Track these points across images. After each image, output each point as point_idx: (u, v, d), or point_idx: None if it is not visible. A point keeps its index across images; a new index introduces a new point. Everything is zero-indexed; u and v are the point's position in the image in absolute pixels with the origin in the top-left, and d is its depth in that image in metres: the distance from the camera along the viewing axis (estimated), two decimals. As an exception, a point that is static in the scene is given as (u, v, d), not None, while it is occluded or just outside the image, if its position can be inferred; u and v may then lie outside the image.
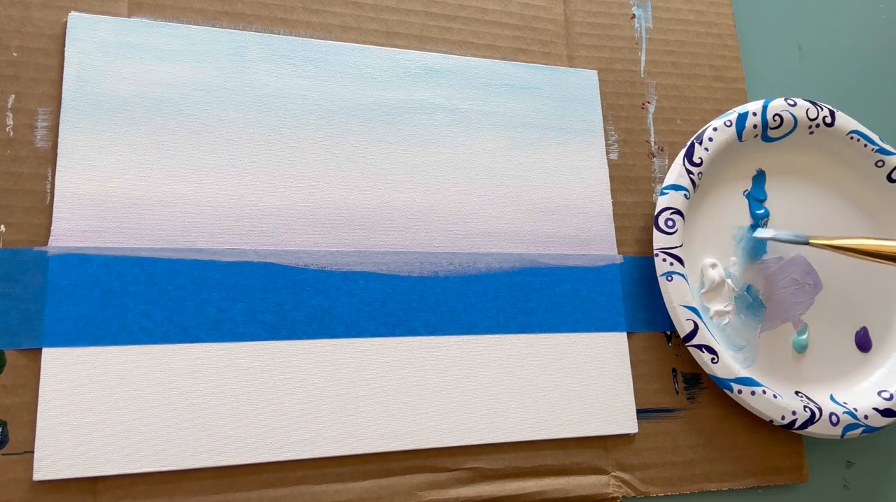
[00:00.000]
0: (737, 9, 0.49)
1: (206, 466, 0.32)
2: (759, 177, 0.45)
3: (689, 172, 0.41)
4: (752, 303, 0.43)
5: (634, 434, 0.39)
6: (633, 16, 0.46)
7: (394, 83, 0.40)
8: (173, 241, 0.34)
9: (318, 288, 0.35)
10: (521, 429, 0.37)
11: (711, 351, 0.39)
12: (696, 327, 0.39)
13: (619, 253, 0.41)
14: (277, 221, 0.36)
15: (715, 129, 0.42)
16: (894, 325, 0.45)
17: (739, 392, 0.39)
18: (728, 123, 0.43)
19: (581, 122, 0.43)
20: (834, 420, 0.40)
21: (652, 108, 0.45)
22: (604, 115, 0.43)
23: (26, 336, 0.31)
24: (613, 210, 0.42)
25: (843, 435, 0.40)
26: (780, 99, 0.44)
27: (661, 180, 0.44)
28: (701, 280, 0.42)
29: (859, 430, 0.40)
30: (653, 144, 0.44)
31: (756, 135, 0.44)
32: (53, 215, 0.33)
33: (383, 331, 0.36)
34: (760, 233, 0.43)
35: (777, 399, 0.39)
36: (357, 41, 0.40)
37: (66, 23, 0.35)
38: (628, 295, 0.41)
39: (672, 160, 0.44)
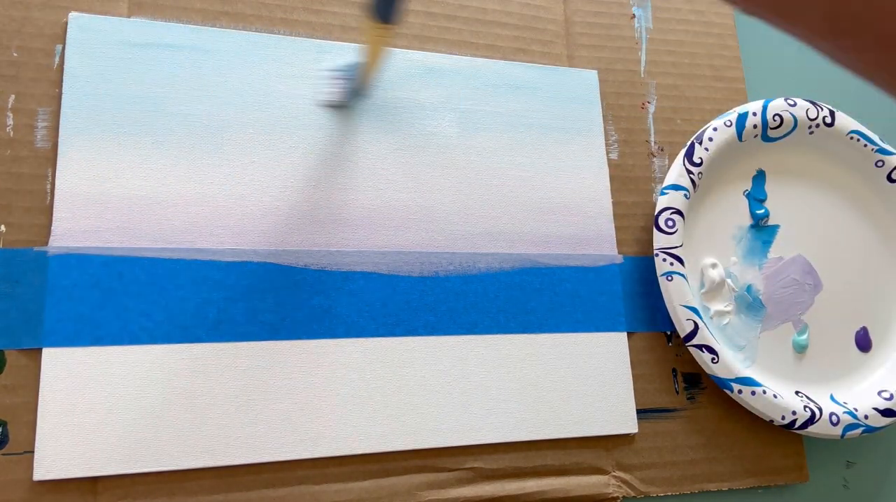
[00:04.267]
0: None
1: (206, 466, 0.32)
2: (759, 177, 0.45)
3: (689, 172, 0.41)
4: (752, 303, 0.42)
5: (634, 434, 0.39)
6: (633, 16, 0.46)
7: (394, 83, 0.39)
8: (173, 241, 0.34)
9: (318, 288, 0.35)
10: (521, 429, 0.37)
11: (711, 351, 0.39)
12: (697, 327, 0.39)
13: (619, 253, 0.41)
14: (277, 221, 0.36)
15: (715, 129, 0.42)
16: (894, 325, 0.45)
17: (740, 392, 0.39)
18: (728, 123, 0.42)
19: (581, 122, 0.43)
20: (834, 420, 0.40)
21: (652, 108, 0.45)
22: (604, 115, 0.43)
23: (26, 336, 0.31)
24: (613, 210, 0.42)
25: (843, 435, 0.40)
26: (780, 99, 0.44)
27: (661, 180, 0.43)
28: (701, 280, 0.42)
29: (859, 430, 0.40)
30: (653, 144, 0.44)
31: (756, 135, 0.43)
32: (53, 215, 0.33)
33: (383, 331, 0.36)
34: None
35: (777, 399, 0.39)
36: (357, 41, 0.39)
37: (66, 23, 0.35)
38: (628, 295, 0.41)
39: (672, 160, 0.44)
